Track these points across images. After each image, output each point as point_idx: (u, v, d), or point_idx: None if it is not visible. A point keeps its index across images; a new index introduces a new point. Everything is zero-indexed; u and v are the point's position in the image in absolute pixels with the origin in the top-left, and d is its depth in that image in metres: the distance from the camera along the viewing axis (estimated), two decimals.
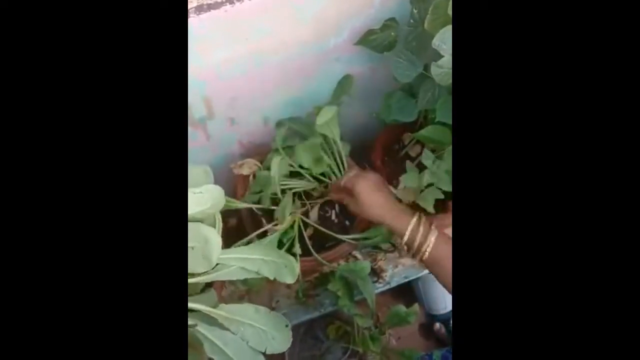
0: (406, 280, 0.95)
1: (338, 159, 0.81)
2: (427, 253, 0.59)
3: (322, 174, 0.80)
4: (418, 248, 0.60)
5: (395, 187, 0.87)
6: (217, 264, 0.56)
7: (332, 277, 0.89)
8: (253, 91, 0.78)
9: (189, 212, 0.53)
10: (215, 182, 0.78)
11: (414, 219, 0.61)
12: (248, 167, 0.82)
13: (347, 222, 0.86)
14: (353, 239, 0.79)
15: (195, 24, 0.63)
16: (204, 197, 0.55)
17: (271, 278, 0.60)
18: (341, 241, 0.78)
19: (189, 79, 0.69)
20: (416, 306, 0.90)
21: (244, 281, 0.68)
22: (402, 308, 0.91)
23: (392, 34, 0.74)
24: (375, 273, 0.94)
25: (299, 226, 0.77)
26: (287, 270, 0.61)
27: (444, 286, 0.62)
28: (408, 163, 0.72)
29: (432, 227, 0.61)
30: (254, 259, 0.59)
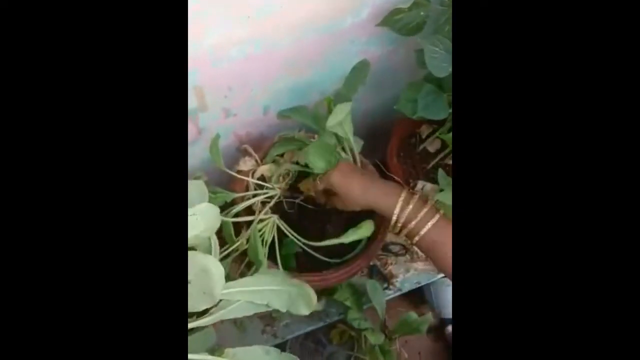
0: (419, 285, 0.87)
1: (351, 158, 0.71)
2: (420, 234, 0.53)
3: None
4: (408, 227, 0.54)
5: (413, 187, 0.77)
6: (219, 300, 0.47)
7: (338, 286, 0.81)
8: (253, 78, 0.66)
9: None
10: (209, 179, 0.69)
11: (402, 195, 0.55)
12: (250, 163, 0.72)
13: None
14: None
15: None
16: (197, 220, 0.47)
17: (283, 310, 0.52)
18: (356, 255, 0.68)
19: None
20: (429, 315, 0.83)
21: None
22: (413, 316, 0.83)
23: (422, 13, 0.62)
24: (386, 279, 0.86)
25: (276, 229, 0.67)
26: (302, 300, 0.53)
27: (444, 273, 0.55)
28: (441, 174, 0.61)
29: (428, 205, 0.54)
30: (263, 291, 0.50)
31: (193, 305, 0.44)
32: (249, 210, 0.69)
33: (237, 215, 0.66)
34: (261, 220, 0.65)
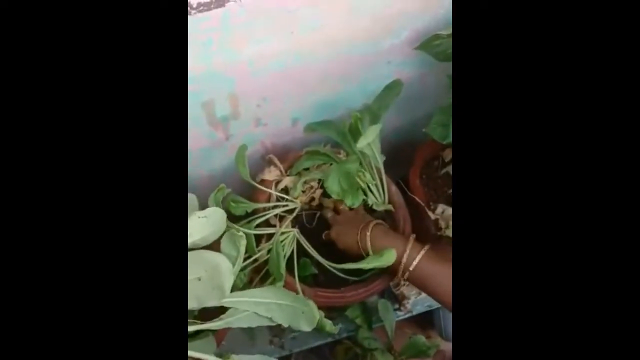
0: (430, 308, 0.87)
1: (377, 178, 0.71)
2: (409, 270, 0.57)
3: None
4: (400, 266, 0.57)
5: (433, 211, 0.77)
6: (228, 308, 0.50)
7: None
8: (287, 90, 0.67)
9: (191, 239, 0.50)
10: (231, 186, 0.69)
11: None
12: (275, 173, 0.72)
13: None
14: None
15: (234, 10, 0.51)
16: (207, 222, 0.51)
17: (285, 325, 0.53)
18: (376, 275, 0.67)
19: (217, 75, 0.58)
20: (439, 340, 0.83)
21: None
22: (421, 339, 0.83)
23: None
24: (397, 300, 0.85)
25: (296, 242, 0.67)
26: (304, 316, 0.54)
27: (441, 304, 0.58)
28: None
29: (411, 241, 0.58)
30: (267, 303, 0.52)
31: (204, 300, 0.47)
32: (269, 221, 0.69)
33: (258, 225, 0.67)
34: (282, 233, 0.65)
